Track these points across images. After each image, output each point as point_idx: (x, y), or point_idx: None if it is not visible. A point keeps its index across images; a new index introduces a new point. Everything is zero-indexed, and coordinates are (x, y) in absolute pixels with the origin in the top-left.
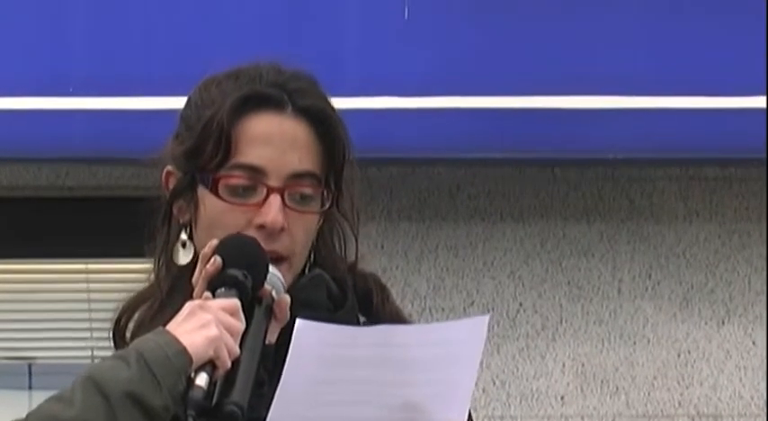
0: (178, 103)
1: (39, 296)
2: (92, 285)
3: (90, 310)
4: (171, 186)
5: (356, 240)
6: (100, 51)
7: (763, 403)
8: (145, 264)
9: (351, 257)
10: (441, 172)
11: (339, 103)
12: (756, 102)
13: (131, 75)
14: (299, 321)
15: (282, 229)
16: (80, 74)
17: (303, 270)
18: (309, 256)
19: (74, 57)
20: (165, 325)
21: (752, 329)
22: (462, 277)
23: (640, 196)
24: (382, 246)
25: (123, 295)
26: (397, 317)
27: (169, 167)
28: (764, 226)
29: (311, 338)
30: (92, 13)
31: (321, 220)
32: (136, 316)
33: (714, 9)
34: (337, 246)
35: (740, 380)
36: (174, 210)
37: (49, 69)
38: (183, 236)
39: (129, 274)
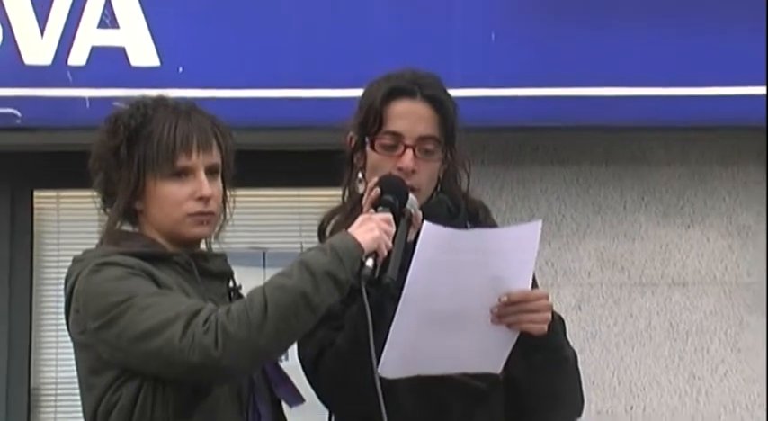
0: (352, 93)
1: (271, 210)
2: (302, 204)
3: (300, 219)
4: (352, 144)
5: (468, 178)
6: (310, 58)
7: (712, 277)
8: (334, 191)
9: (464, 188)
10: (516, 134)
11: (452, 92)
12: (713, 91)
13: (326, 74)
14: (425, 223)
15: (414, 171)
16: (296, 72)
17: (431, 195)
18: (436, 187)
19: (294, 62)
20: (347, 228)
21: (708, 232)
22: (527, 200)
23: (639, 149)
24: (478, 181)
25: (320, 210)
26: (493, 227)
27: (351, 132)
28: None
29: (433, 234)
30: (303, 33)
31: (443, 166)
32: (333, 221)
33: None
34: (457, 180)
35: (699, 262)
36: (354, 159)
37: (280, 70)
38: (360, 175)
39: (323, 197)
